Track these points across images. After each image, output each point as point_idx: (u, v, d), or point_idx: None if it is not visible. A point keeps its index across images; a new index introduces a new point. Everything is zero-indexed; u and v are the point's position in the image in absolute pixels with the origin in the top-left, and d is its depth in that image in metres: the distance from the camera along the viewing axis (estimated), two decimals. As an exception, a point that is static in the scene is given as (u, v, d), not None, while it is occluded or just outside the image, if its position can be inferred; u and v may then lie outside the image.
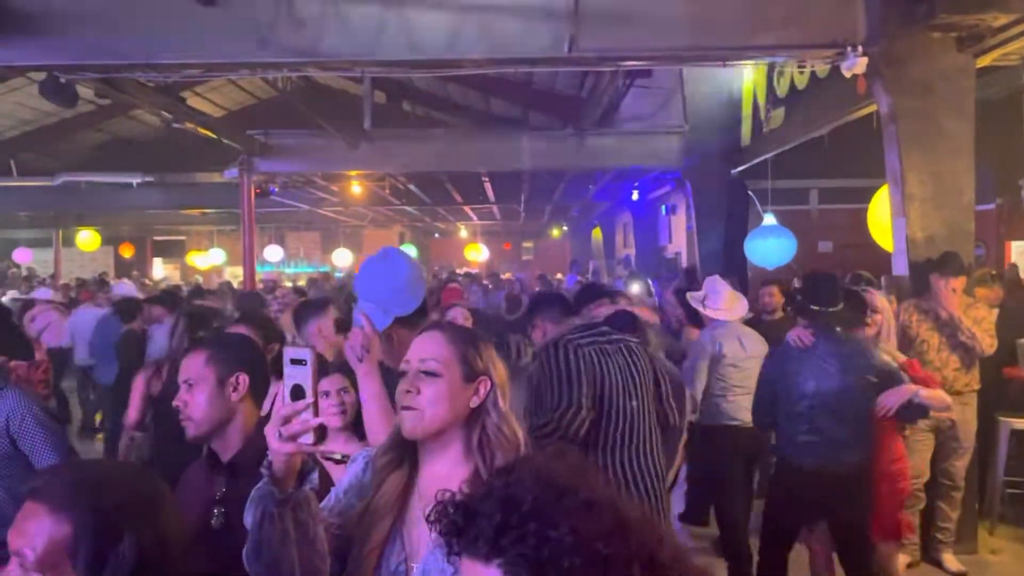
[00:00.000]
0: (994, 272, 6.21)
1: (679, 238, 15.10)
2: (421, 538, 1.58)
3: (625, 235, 19.96)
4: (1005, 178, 11.20)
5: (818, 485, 3.73)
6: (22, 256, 19.99)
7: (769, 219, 9.87)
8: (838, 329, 3.85)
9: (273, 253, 22.03)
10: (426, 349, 1.65)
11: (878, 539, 3.87)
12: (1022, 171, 10.32)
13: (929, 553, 5.04)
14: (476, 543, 0.94)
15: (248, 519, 1.47)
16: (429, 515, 1.05)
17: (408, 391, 1.61)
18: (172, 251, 26.44)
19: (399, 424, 1.64)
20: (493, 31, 5.29)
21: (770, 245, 9.51)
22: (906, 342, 4.87)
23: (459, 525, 0.97)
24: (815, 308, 3.85)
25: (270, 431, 1.46)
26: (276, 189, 11.96)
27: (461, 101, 17.50)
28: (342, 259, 22.43)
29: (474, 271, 20.81)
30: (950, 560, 4.97)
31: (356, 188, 13.26)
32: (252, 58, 5.41)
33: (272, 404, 1.63)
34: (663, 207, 16.11)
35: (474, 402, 1.64)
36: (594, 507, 0.96)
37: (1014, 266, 10.07)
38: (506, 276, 18.94)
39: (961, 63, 5.05)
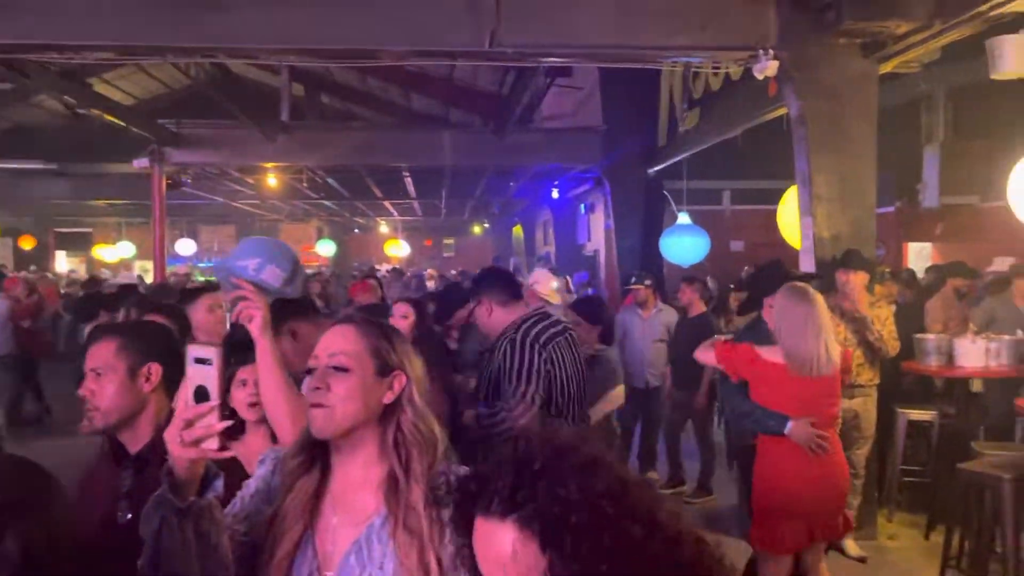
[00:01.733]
0: (890, 270, 6.51)
1: (598, 236, 15.32)
2: (336, 544, 1.53)
3: (545, 232, 20.14)
4: (904, 182, 11.77)
5: None
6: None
7: (684, 218, 10.11)
8: None
9: (185, 247, 21.37)
10: (335, 343, 1.58)
11: None
12: (919, 176, 10.87)
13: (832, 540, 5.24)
14: (492, 504, 1.03)
15: (145, 528, 1.39)
16: (437, 495, 1.14)
17: (317, 388, 1.54)
18: (77, 244, 25.33)
19: (309, 423, 1.57)
20: (414, 23, 5.25)
21: (684, 243, 9.75)
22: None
23: (474, 491, 1.06)
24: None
25: (170, 436, 1.38)
26: (189, 181, 11.59)
27: (381, 96, 17.36)
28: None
29: (395, 267, 20.65)
30: (851, 546, 5.18)
31: (272, 181, 12.98)
32: (162, 42, 5.22)
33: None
34: (582, 205, 16.32)
35: (388, 398, 1.57)
36: (596, 466, 1.04)
37: (911, 269, 10.59)
38: (429, 272, 18.87)
39: (865, 69, 5.27)
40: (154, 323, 2.65)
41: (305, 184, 14.49)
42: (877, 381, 5.13)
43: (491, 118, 11.46)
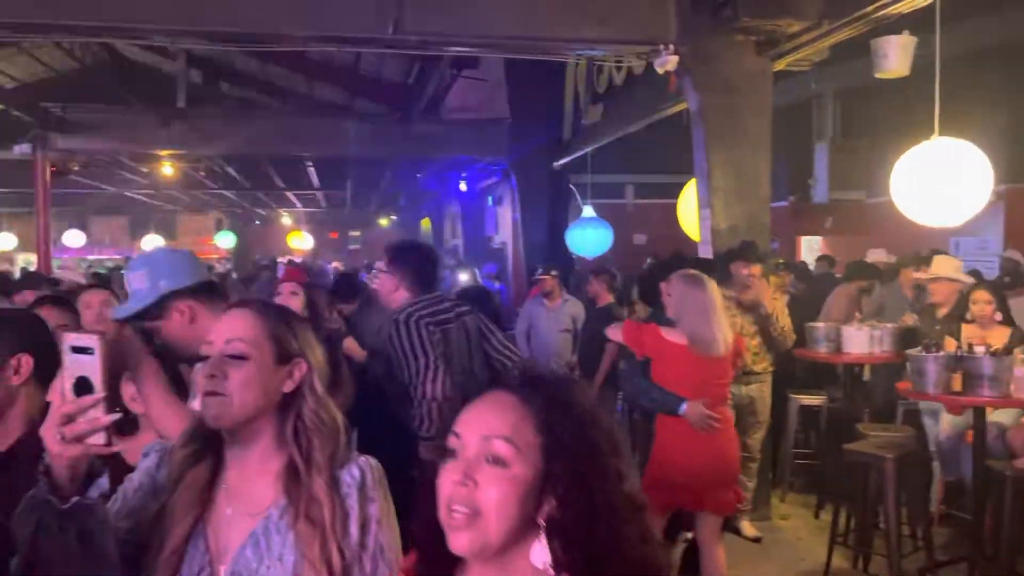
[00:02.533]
0: (783, 261, 6.76)
1: (505, 228, 15.36)
2: (230, 538, 1.47)
3: (453, 225, 20.07)
4: (797, 178, 12.26)
5: None
6: None
7: (588, 211, 10.25)
8: None
9: (74, 239, 20.35)
10: (232, 328, 1.51)
11: None
12: (811, 171, 11.34)
13: (728, 521, 5.41)
14: (510, 380, 1.18)
15: (19, 532, 1.28)
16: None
17: (212, 375, 1.46)
18: (-49, 235, 23.74)
19: (203, 412, 1.49)
20: (316, 8, 5.11)
21: (589, 236, 9.89)
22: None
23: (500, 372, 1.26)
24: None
25: (48, 432, 1.28)
26: (77, 169, 11.00)
27: (284, 84, 16.89)
28: (152, 246, 21.06)
29: (292, 259, 20.18)
30: (747, 527, 5.37)
31: (168, 170, 12.46)
32: (47, 20, 4.92)
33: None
34: (490, 198, 16.32)
35: (288, 387, 1.51)
36: (599, 413, 1.15)
37: (803, 262, 11.05)
38: (335, 265, 18.49)
39: (760, 66, 5.45)
40: (24, 312, 2.49)
41: (203, 173, 13.99)
42: (772, 368, 5.32)
43: (397, 108, 11.33)
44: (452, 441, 1.12)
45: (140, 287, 2.21)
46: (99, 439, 1.30)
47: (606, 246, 10.16)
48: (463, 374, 3.20)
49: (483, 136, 11.52)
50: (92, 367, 1.32)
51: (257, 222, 28.63)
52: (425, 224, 24.77)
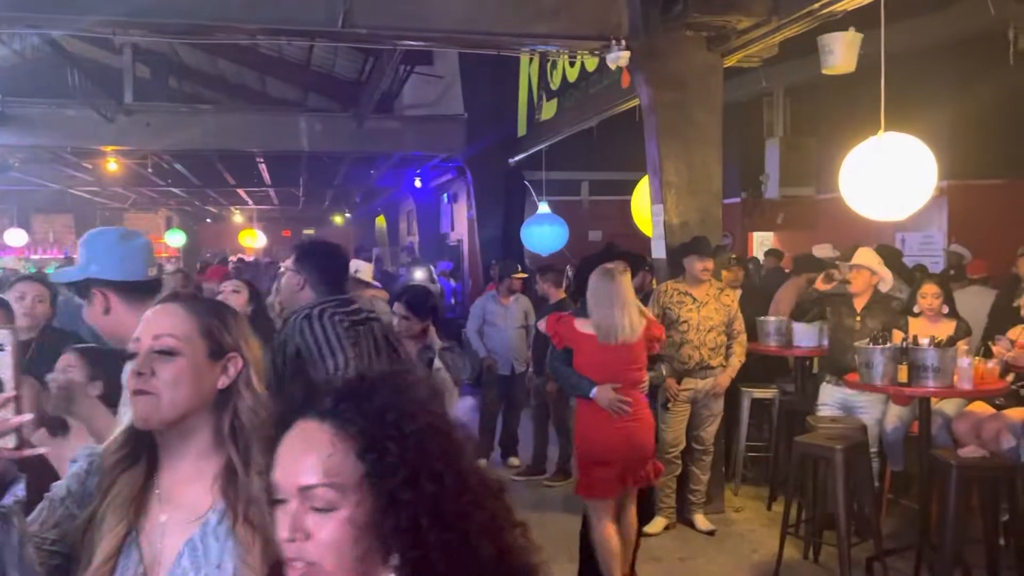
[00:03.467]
0: (735, 256, 6.82)
1: (461, 226, 15.30)
2: (165, 547, 1.40)
3: (409, 223, 19.94)
4: (749, 174, 12.38)
5: None
6: None
7: (543, 208, 10.25)
8: None
9: (16, 237, 19.73)
10: (160, 324, 1.44)
11: None
12: (763, 168, 11.46)
13: (683, 514, 5.45)
14: (316, 405, 1.06)
15: None
16: None
17: (140, 373, 1.39)
18: None
19: (132, 412, 1.41)
20: (265, 1, 5.02)
21: (544, 232, 9.90)
22: (667, 323, 5.23)
23: (299, 398, 1.10)
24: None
25: None
26: (15, 164, 10.65)
27: (234, 80, 16.57)
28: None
29: (250, 258, 19.86)
30: (701, 520, 5.41)
31: (113, 166, 12.12)
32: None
33: None
34: (445, 195, 16.25)
35: (222, 383, 1.45)
36: (427, 408, 1.07)
37: (755, 257, 11.18)
38: (285, 264, 18.16)
39: (711, 61, 5.49)
40: None
41: (150, 170, 13.64)
42: (725, 363, 5.35)
43: (350, 105, 11.19)
44: (275, 488, 1.05)
45: (76, 264, 2.21)
46: (9, 442, 1.23)
47: (561, 243, 10.18)
48: None
49: (437, 132, 11.45)
50: (2, 364, 1.25)
51: (208, 220, 28.15)
52: (380, 221, 24.58)
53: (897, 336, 4.59)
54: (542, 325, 4.55)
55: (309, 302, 3.05)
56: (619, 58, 5.38)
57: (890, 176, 3.94)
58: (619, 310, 4.01)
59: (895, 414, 5.06)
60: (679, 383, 5.24)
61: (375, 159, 13.93)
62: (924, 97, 7.15)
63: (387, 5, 5.15)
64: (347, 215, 26.20)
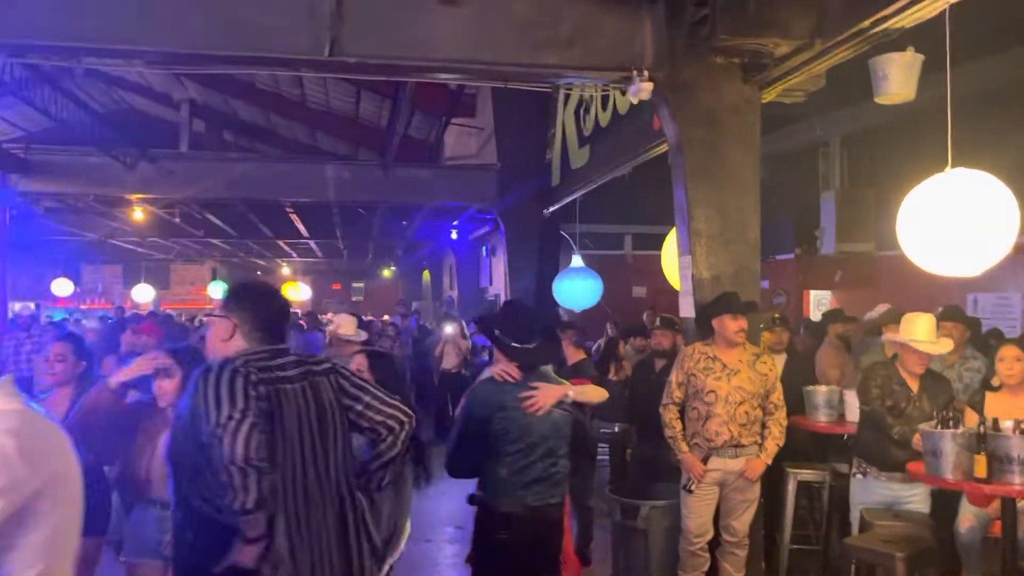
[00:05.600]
0: (778, 316, 6.03)
1: (499, 279, 14.80)
2: None
3: (451, 276, 19.54)
4: (803, 229, 11.58)
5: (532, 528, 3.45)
6: None
7: (577, 261, 9.62)
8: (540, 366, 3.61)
9: (62, 287, 19.85)
10: None
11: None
12: (818, 222, 10.66)
13: (715, 619, 4.61)
14: None
15: None
16: None
17: None
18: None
19: None
20: (244, 29, 4.55)
21: (576, 287, 9.23)
22: (691, 392, 4.49)
23: None
24: (515, 345, 3.50)
25: None
26: (40, 212, 10.50)
27: (286, 134, 16.53)
28: (143, 295, 20.54)
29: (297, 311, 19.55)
30: (736, 626, 4.56)
31: (139, 214, 11.94)
32: None
33: None
34: (484, 248, 15.79)
35: None
36: None
37: (808, 318, 10.29)
38: (328, 316, 17.83)
39: (747, 94, 4.82)
40: None
41: (178, 220, 13.46)
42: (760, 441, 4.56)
43: (386, 152, 10.86)
44: None
45: None
46: None
47: (595, 298, 9.48)
48: (306, 448, 2.51)
49: (469, 183, 11.00)
50: None
51: (258, 272, 28.18)
52: (426, 275, 24.25)
53: (971, 418, 3.76)
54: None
55: (235, 353, 2.54)
56: (641, 90, 4.75)
57: (960, 221, 3.19)
58: None
59: (971, 513, 4.18)
60: (705, 462, 4.47)
61: (409, 210, 13.54)
62: (997, 140, 6.35)
63: (378, 33, 4.65)
64: (393, 268, 25.95)
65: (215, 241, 17.23)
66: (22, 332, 9.55)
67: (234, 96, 13.81)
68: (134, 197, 10.69)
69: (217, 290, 22.02)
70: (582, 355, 6.18)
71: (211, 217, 13.68)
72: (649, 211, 12.24)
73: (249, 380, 2.38)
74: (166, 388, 3.23)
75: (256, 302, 2.69)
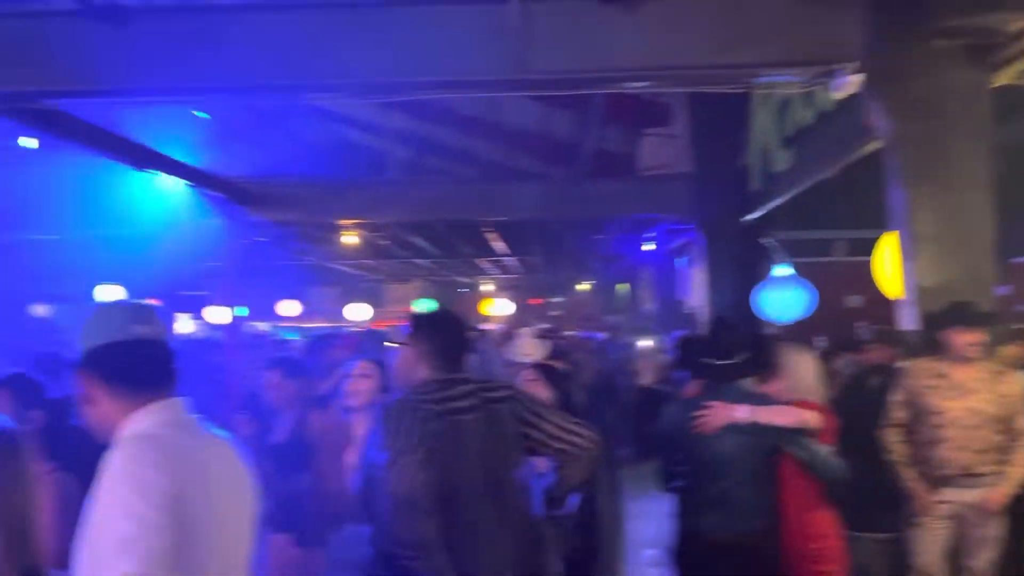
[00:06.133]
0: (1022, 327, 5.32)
1: (698, 291, 14.35)
2: None
3: (648, 289, 19.21)
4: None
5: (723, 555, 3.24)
6: None
7: (782, 270, 9.07)
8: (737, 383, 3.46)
9: (289, 308, 21.64)
10: None
11: None
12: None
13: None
14: None
15: None
16: None
17: None
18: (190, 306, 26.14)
19: None
20: (432, 53, 4.68)
21: (782, 298, 8.70)
22: (914, 413, 4.03)
23: None
24: (709, 361, 3.42)
25: None
26: (261, 239, 11.47)
27: (485, 156, 17.11)
28: (359, 314, 21.93)
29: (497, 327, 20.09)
30: None
31: (349, 239, 12.74)
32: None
33: None
34: (682, 259, 15.38)
35: None
36: None
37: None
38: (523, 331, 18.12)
39: (973, 79, 4.29)
40: None
41: (387, 242, 14.23)
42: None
43: (575, 169, 10.90)
44: None
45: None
46: None
47: (805, 309, 8.90)
48: (483, 478, 2.51)
49: (664, 193, 10.76)
50: None
51: (466, 290, 29.23)
52: (623, 289, 24.05)
53: None
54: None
55: (419, 382, 2.62)
56: (847, 84, 4.39)
57: None
58: None
59: None
60: (936, 492, 3.99)
61: (604, 224, 13.48)
62: None
63: (568, 47, 4.61)
64: (591, 282, 25.99)
65: (420, 261, 18.06)
66: (255, 350, 10.45)
67: (435, 122, 14.47)
68: (346, 223, 11.41)
69: (422, 308, 23.16)
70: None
71: (416, 239, 14.34)
72: (863, 214, 11.41)
73: (418, 415, 2.44)
74: (360, 388, 3.34)
75: (438, 332, 2.75)
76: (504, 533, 2.50)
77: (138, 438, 1.60)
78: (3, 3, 5.80)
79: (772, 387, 3.51)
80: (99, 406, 1.69)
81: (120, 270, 13.19)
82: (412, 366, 2.69)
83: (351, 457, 3.31)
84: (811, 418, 3.37)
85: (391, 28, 4.70)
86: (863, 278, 14.01)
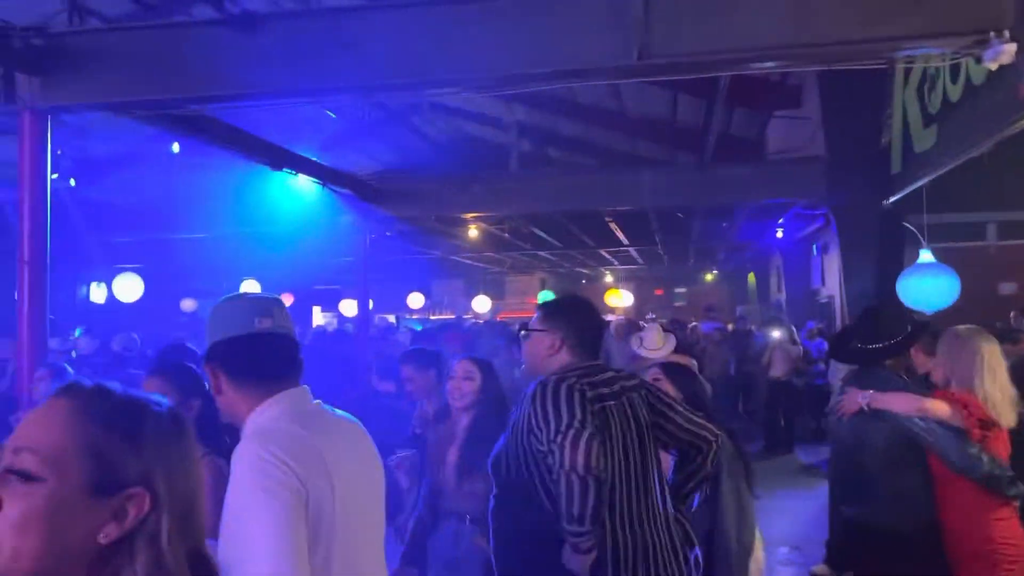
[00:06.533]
0: None
1: (832, 280, 13.73)
2: None
3: (779, 278, 18.57)
4: None
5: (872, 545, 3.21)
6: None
7: (926, 256, 8.51)
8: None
9: (415, 301, 22.19)
10: (28, 430, 0.96)
11: None
12: None
13: None
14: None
15: None
16: None
17: None
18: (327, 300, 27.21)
19: None
20: (550, 42, 4.64)
21: (926, 285, 8.15)
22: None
23: None
24: (854, 346, 3.43)
25: None
26: (391, 235, 11.78)
27: (604, 145, 16.97)
28: (482, 306, 22.23)
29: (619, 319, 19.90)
30: None
31: (473, 232, 12.89)
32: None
33: None
34: (814, 246, 14.76)
35: (108, 535, 0.93)
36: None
37: None
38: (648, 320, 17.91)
39: None
40: None
41: (508, 234, 14.33)
42: None
43: (700, 155, 10.62)
44: None
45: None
46: None
47: (950, 297, 8.32)
48: (630, 467, 2.41)
49: (794, 177, 10.33)
50: None
51: (584, 281, 29.17)
52: (751, 278, 23.32)
53: None
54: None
55: (560, 368, 2.52)
56: (1002, 54, 4.04)
57: None
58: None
59: None
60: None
61: (730, 211, 13.08)
62: None
63: (688, 29, 4.47)
64: (715, 272, 25.36)
65: (542, 253, 18.11)
66: (382, 340, 10.77)
67: (557, 113, 14.47)
68: (469, 216, 11.56)
69: (544, 299, 23.25)
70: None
71: (537, 231, 14.38)
72: (1016, 194, 10.63)
73: (584, 395, 2.34)
74: (464, 389, 3.36)
75: (578, 317, 2.64)
76: (655, 524, 2.41)
77: (262, 435, 1.65)
78: (151, 15, 6.18)
79: (936, 374, 3.42)
80: (226, 397, 1.76)
81: (260, 266, 13.91)
82: (550, 353, 2.58)
83: (453, 455, 3.33)
84: (938, 408, 3.20)
85: (511, 20, 4.69)
86: (1016, 263, 13.08)
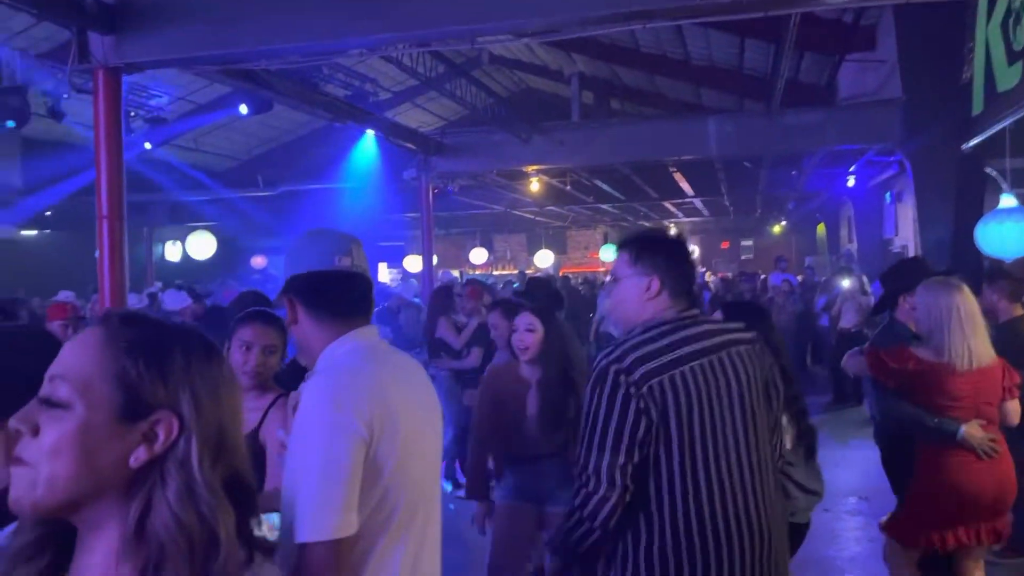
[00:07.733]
0: None
1: (906, 229, 13.28)
2: None
3: (849, 228, 18.04)
4: None
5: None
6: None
7: (1008, 200, 8.15)
8: None
9: (478, 256, 22.32)
10: (62, 359, 1.00)
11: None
12: None
13: None
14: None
15: None
16: None
17: (18, 431, 0.96)
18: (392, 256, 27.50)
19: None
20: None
21: (1007, 231, 7.82)
22: None
23: None
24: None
25: None
26: (454, 189, 11.81)
27: (671, 95, 16.63)
28: (544, 260, 22.22)
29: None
30: None
31: (534, 185, 12.82)
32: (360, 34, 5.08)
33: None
34: (887, 194, 14.26)
35: (138, 458, 0.97)
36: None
37: None
38: (719, 275, 17.71)
39: None
40: None
41: (569, 187, 14.22)
42: None
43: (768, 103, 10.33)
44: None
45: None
46: None
47: (1032, 244, 7.98)
48: (728, 431, 2.07)
49: (867, 122, 9.98)
50: None
51: (648, 234, 28.74)
52: (820, 229, 22.71)
53: None
54: (856, 365, 3.76)
55: (654, 316, 2.16)
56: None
57: None
58: (969, 328, 3.34)
59: None
60: None
61: (799, 159, 12.72)
62: None
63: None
64: (783, 223, 24.75)
65: (605, 206, 17.95)
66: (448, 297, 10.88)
67: (619, 63, 14.21)
68: (530, 169, 11.52)
69: (608, 253, 23.07)
70: (1019, 311, 5.22)
71: (599, 183, 14.25)
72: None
73: (631, 391, 2.00)
74: (528, 341, 3.45)
75: (676, 255, 2.24)
76: (765, 486, 2.14)
77: (334, 370, 1.70)
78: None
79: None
80: (301, 328, 1.82)
81: (327, 222, 14.11)
82: (648, 297, 2.18)
83: (533, 406, 3.45)
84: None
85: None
86: (1109, 208, 12.40)
